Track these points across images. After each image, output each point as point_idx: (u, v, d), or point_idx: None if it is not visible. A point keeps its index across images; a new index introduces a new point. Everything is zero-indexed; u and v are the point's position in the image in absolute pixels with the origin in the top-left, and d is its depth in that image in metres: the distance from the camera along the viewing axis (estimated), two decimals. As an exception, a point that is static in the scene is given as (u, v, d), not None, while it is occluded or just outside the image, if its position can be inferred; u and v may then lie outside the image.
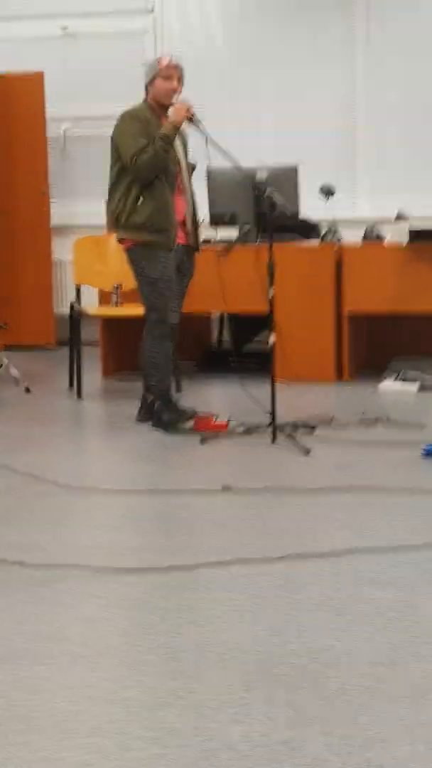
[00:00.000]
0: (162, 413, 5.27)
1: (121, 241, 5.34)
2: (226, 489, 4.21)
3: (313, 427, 5.16)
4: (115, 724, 2.36)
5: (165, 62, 5.21)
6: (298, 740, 2.26)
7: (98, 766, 2.18)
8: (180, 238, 5.30)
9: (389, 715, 2.36)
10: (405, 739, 2.25)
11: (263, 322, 6.82)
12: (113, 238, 6.12)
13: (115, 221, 5.26)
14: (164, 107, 5.23)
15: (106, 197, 5.37)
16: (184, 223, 5.35)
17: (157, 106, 5.24)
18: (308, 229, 6.76)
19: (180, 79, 5.23)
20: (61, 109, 8.10)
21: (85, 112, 8.14)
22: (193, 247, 5.44)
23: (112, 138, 5.26)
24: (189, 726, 2.34)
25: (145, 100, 5.28)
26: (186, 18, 8.07)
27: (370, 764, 2.16)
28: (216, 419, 5.24)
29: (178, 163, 5.29)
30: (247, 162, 5.70)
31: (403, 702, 2.42)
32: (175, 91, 5.20)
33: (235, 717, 2.37)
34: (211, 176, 6.55)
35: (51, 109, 7.97)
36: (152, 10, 8.07)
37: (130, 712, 2.41)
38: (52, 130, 8.11)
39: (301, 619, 2.92)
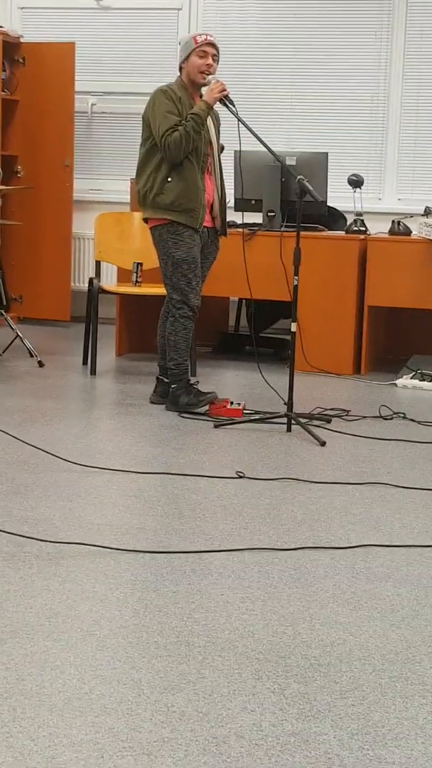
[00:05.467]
0: (179, 396, 5.27)
1: (146, 220, 5.31)
2: (239, 475, 4.21)
3: (328, 419, 5.16)
4: (124, 704, 2.36)
5: (201, 39, 5.18)
6: (309, 733, 2.26)
7: (107, 746, 2.18)
8: (206, 221, 5.29)
9: (402, 713, 2.36)
10: (417, 738, 2.25)
11: (281, 310, 6.84)
12: (136, 216, 6.12)
13: (143, 200, 5.23)
14: (198, 86, 5.21)
15: (133, 175, 5.36)
16: (211, 205, 5.33)
17: (190, 84, 5.22)
18: (334, 219, 6.74)
19: (215, 58, 5.20)
20: (90, 83, 8.09)
21: (114, 87, 8.15)
22: (219, 232, 5.43)
23: (143, 115, 5.23)
24: (199, 712, 2.33)
25: (179, 78, 5.25)
26: (222, 3, 8.02)
27: (381, 761, 2.16)
28: (231, 405, 5.23)
29: (210, 144, 5.26)
30: (277, 148, 5.68)
31: (416, 700, 2.42)
32: (209, 69, 5.17)
33: (245, 705, 2.37)
34: (240, 160, 6.52)
35: (80, 82, 7.95)
36: (188, -12, 8.05)
37: (140, 694, 2.40)
38: (81, 104, 8.09)
39: (313, 611, 2.91)
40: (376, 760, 2.16)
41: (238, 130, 5.04)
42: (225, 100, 5.12)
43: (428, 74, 7.72)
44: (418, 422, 5.24)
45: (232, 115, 5.09)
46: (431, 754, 2.20)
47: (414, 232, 6.54)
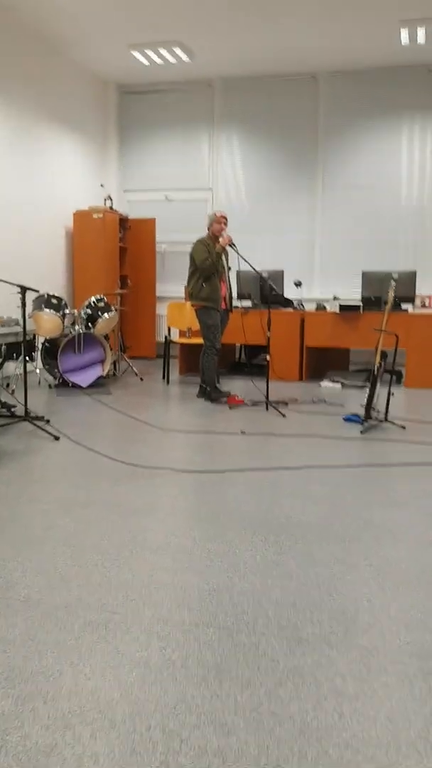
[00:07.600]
0: (211, 393, 5.25)
1: (193, 305, 5.31)
2: (242, 432, 4.19)
3: (286, 403, 5.13)
4: (185, 547, 2.35)
5: (219, 214, 5.18)
6: (280, 560, 2.25)
7: (179, 568, 2.18)
8: (222, 305, 5.28)
9: (323, 548, 2.35)
10: (331, 554, 2.24)
11: (263, 349, 6.82)
12: (187, 304, 6.12)
13: (190, 295, 5.23)
14: (217, 237, 5.21)
15: (186, 283, 5.33)
16: (224, 297, 5.33)
17: (213, 236, 5.21)
18: (287, 303, 6.71)
19: (226, 223, 5.21)
20: (163, 237, 8.10)
21: (175, 239, 8.13)
22: (228, 310, 5.42)
23: (190, 253, 5.23)
24: (223, 549, 2.33)
25: (208, 233, 5.26)
26: (228, 193, 8.00)
27: (315, 561, 2.15)
28: (237, 397, 5.21)
29: (223, 266, 5.26)
30: (257, 266, 5.67)
31: (331, 538, 2.41)
32: (223, 229, 5.17)
33: (248, 547, 2.36)
34: (239, 273, 6.53)
35: (158, 237, 7.97)
36: (211, 189, 8.04)
37: (192, 542, 2.40)
38: (158, 248, 8.10)
39: (281, 501, 2.90)
40: (311, 560, 2.15)
41: (237, 259, 5.03)
42: (231, 244, 5.12)
43: (335, 229, 7.67)
44: (331, 404, 5.20)
45: (234, 251, 5.09)
46: (343, 563, 2.18)
47: (328, 309, 6.50)
